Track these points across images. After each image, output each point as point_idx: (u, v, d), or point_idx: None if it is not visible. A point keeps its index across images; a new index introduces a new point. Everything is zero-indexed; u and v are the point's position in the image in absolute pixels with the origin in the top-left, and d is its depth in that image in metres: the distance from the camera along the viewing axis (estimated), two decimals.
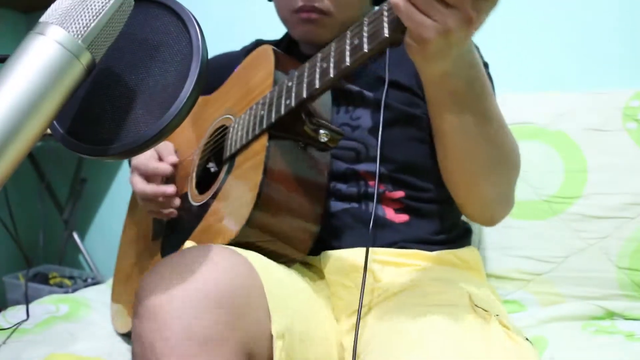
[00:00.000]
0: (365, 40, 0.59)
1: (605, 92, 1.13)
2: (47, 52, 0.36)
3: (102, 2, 0.38)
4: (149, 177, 0.92)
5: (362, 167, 0.84)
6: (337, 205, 0.82)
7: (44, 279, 1.88)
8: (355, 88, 0.87)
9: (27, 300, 1.08)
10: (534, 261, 1.08)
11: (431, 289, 0.73)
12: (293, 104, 0.69)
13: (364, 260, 0.69)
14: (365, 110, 0.86)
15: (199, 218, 0.83)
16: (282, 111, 0.71)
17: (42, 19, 0.37)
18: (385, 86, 0.81)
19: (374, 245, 0.80)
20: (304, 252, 0.76)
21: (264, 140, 0.73)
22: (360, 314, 0.65)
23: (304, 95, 0.67)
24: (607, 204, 1.05)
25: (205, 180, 0.88)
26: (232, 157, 0.81)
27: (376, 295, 0.77)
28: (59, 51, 0.36)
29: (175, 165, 0.93)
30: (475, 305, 0.67)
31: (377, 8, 0.59)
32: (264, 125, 0.74)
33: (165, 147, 0.96)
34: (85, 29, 0.37)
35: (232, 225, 0.73)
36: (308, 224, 0.75)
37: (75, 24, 0.37)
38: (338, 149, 0.81)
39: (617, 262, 1.02)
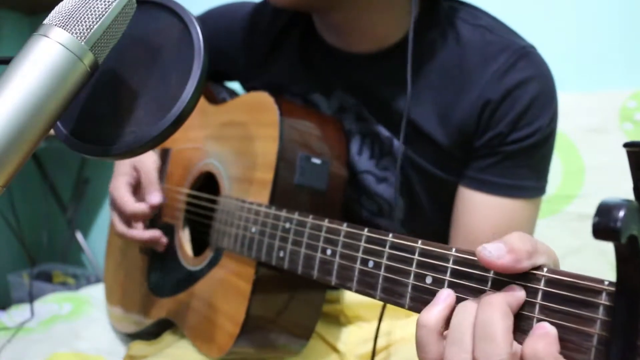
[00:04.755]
0: (380, 287, 0.48)
1: (602, 93, 1.13)
2: (51, 54, 0.36)
3: (105, 5, 0.38)
4: (127, 219, 0.82)
5: (382, 222, 0.77)
6: None
7: (47, 278, 1.90)
8: (385, 133, 0.74)
9: (31, 298, 1.09)
10: None
11: None
12: (286, 266, 0.61)
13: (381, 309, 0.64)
14: (393, 163, 0.74)
15: (187, 279, 0.80)
16: (273, 263, 0.63)
17: (46, 21, 0.37)
18: (401, 137, 0.66)
19: None
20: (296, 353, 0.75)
21: (251, 271, 0.67)
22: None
23: (298, 272, 0.59)
24: None
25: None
26: (219, 248, 0.76)
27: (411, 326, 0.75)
28: (62, 53, 0.36)
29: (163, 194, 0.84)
30: None
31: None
32: (253, 257, 0.66)
33: (149, 180, 0.83)
34: (88, 30, 0.37)
35: (217, 344, 0.71)
36: (298, 339, 0.74)
37: (78, 26, 0.37)
38: (363, 195, 0.76)
39: (614, 261, 1.02)
